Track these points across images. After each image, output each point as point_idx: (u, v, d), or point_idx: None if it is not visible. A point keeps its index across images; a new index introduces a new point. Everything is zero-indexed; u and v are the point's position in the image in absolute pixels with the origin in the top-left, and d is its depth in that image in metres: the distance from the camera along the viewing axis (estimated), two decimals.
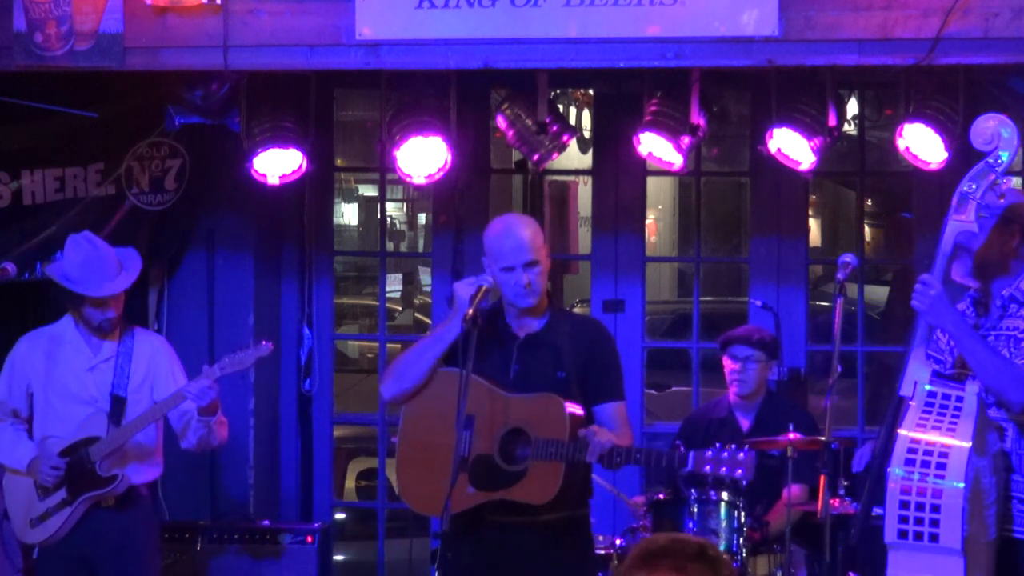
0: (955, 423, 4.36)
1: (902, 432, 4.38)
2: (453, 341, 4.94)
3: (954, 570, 4.23)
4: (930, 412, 4.41)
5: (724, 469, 4.75)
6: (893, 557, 4.32)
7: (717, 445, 4.81)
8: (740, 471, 4.75)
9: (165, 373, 5.94)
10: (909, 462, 4.31)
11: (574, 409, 4.86)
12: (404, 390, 5.04)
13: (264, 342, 5.78)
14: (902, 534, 4.28)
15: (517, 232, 4.97)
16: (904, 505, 4.28)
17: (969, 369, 4.55)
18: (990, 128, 4.55)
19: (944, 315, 4.51)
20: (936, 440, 4.33)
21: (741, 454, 4.75)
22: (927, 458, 4.31)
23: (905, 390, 4.49)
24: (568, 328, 5.02)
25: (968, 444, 4.30)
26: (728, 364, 6.73)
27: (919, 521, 4.26)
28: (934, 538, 4.25)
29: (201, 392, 5.65)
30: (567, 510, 4.93)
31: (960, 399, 4.42)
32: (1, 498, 6.08)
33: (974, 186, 4.53)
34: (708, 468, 4.76)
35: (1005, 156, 4.52)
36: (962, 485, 4.25)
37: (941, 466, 4.28)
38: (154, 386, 5.91)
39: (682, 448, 6.26)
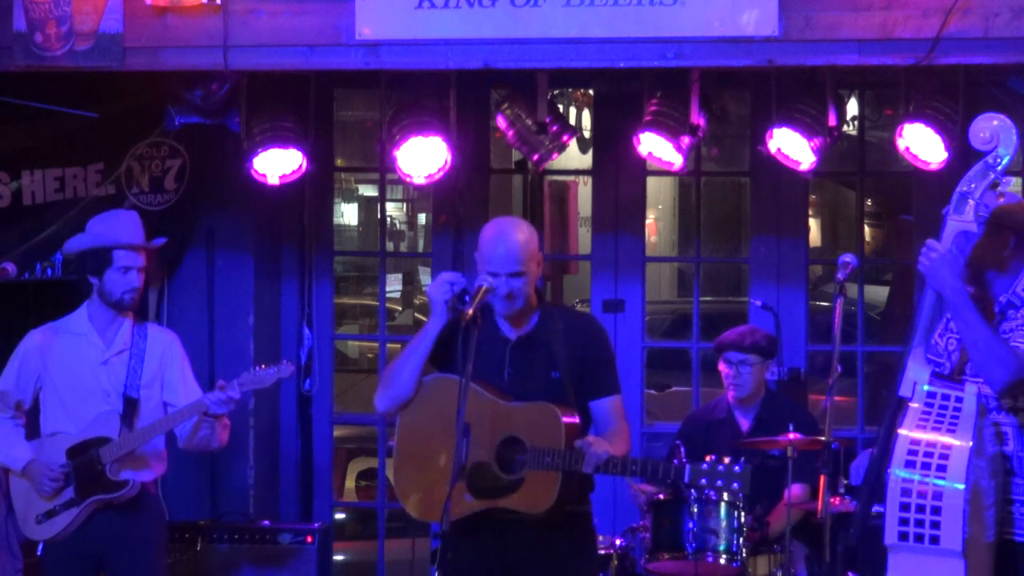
0: (955, 424, 4.35)
1: (902, 432, 4.37)
2: (437, 342, 4.95)
3: (955, 572, 4.22)
4: (930, 413, 4.40)
5: (720, 482, 4.74)
6: (893, 559, 4.31)
7: (712, 457, 4.79)
8: (736, 484, 4.75)
9: (176, 374, 5.89)
10: (910, 463, 4.31)
11: (570, 417, 4.85)
12: (394, 398, 5.03)
13: (286, 362, 5.72)
14: (903, 536, 4.27)
15: (507, 239, 4.93)
16: (905, 507, 4.27)
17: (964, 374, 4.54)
18: (989, 128, 4.54)
19: (945, 278, 4.47)
20: (937, 440, 4.33)
21: (736, 467, 4.74)
22: (928, 459, 4.30)
23: (904, 391, 4.48)
24: (561, 325, 5.00)
25: (969, 444, 4.29)
26: (723, 369, 6.75)
27: (920, 523, 4.24)
28: (935, 540, 4.23)
29: (224, 400, 5.63)
30: (568, 506, 4.92)
31: (960, 400, 4.40)
32: (7, 493, 6.01)
33: (973, 186, 4.52)
34: (704, 481, 4.76)
35: (1004, 156, 4.50)
36: (963, 486, 4.24)
37: (942, 467, 4.27)
38: (164, 385, 5.85)
39: (683, 449, 6.30)
